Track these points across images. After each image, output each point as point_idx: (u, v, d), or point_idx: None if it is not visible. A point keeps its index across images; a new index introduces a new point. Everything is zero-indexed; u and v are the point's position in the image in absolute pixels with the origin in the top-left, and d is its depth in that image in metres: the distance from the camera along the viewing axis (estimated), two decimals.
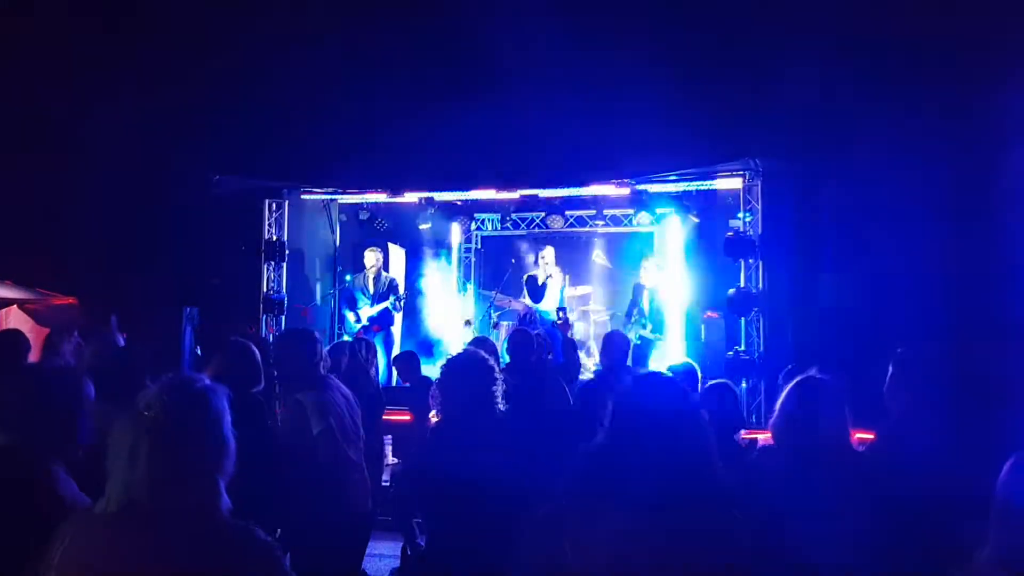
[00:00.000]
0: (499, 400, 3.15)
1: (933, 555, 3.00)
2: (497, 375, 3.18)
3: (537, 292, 9.23)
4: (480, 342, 4.77)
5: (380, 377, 8.25)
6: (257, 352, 3.73)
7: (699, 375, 4.63)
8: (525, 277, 9.53)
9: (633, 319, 8.87)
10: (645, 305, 8.80)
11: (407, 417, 6.76)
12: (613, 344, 5.34)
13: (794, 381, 2.82)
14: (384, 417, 6.50)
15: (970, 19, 6.83)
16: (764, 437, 3.13)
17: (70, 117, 8.95)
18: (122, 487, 1.67)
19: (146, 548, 1.64)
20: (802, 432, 2.71)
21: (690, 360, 5.44)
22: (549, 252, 9.50)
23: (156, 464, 1.66)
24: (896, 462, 3.00)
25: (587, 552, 1.90)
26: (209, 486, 1.71)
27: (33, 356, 7.38)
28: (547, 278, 9.26)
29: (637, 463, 1.93)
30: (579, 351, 8.28)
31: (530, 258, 10.09)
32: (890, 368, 3.34)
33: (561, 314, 7.19)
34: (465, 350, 3.34)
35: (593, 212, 10.91)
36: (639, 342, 8.79)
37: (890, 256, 7.01)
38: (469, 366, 3.15)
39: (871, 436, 3.76)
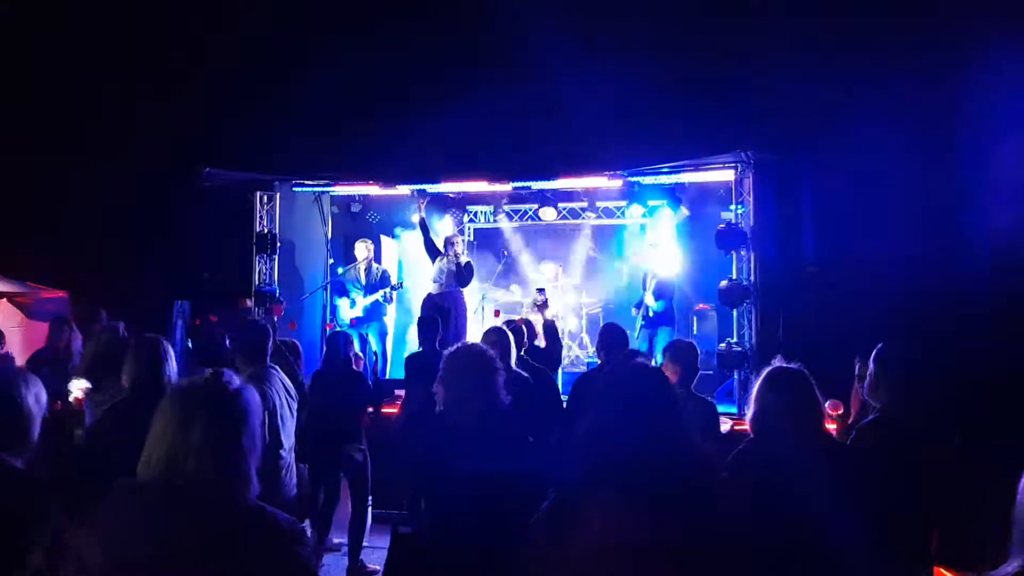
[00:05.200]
0: (501, 391, 3.15)
1: (914, 541, 3.06)
2: (499, 366, 3.19)
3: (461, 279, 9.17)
4: (497, 331, 4.75)
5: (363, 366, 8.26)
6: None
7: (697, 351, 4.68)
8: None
9: (642, 306, 8.96)
10: (649, 286, 8.88)
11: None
12: (609, 335, 5.34)
13: (764, 373, 2.86)
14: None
15: (954, 15, 6.89)
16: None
17: (61, 112, 8.89)
18: (166, 459, 1.80)
19: (179, 517, 1.76)
20: (776, 421, 2.75)
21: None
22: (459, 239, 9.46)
23: (209, 442, 1.81)
24: (878, 454, 3.05)
25: (592, 536, 1.93)
26: (245, 472, 1.86)
27: (22, 348, 7.39)
28: (466, 264, 9.19)
29: (621, 445, 1.99)
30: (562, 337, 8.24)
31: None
32: (870, 365, 3.38)
33: (540, 296, 7.08)
34: (465, 342, 3.34)
35: (585, 204, 10.93)
36: (643, 322, 8.84)
37: (882, 247, 7.06)
38: (470, 358, 3.16)
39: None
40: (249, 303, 8.55)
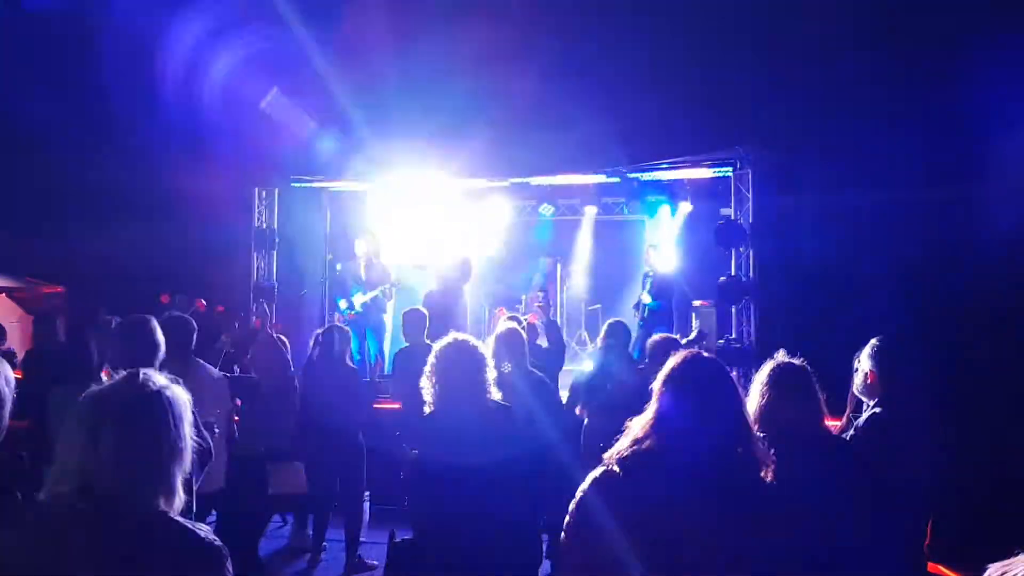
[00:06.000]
0: (490, 388, 3.13)
1: (909, 538, 3.05)
2: (488, 362, 3.16)
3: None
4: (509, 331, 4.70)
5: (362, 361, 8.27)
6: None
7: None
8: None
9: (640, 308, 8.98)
10: (646, 286, 8.90)
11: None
12: (611, 330, 5.33)
13: (764, 367, 2.85)
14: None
15: (954, 14, 6.88)
16: None
17: (60, 108, 8.88)
18: (76, 472, 1.64)
19: (95, 538, 1.61)
20: (776, 417, 2.74)
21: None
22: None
23: (120, 452, 1.63)
24: (874, 450, 3.04)
25: (635, 516, 1.96)
26: (166, 484, 1.68)
27: (22, 343, 7.41)
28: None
29: (684, 431, 2.03)
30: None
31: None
32: (863, 361, 3.36)
33: (541, 295, 7.10)
34: (455, 338, 3.30)
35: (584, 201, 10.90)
36: (640, 322, 8.87)
37: (881, 244, 7.05)
38: (459, 353, 3.14)
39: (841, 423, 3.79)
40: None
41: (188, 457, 1.73)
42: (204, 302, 8.36)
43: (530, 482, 3.16)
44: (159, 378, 1.76)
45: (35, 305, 9.22)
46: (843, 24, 7.39)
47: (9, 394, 2.22)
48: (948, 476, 3.16)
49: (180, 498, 1.70)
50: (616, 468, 2.06)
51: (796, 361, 2.81)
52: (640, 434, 2.09)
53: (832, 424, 4.15)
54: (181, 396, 1.76)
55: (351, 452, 5.96)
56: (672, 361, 2.19)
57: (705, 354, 2.30)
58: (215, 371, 4.47)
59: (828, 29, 7.39)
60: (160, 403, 1.70)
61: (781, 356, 2.85)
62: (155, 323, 3.63)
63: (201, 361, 4.39)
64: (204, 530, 1.72)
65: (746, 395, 2.90)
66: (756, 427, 2.82)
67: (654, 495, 1.98)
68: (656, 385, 2.17)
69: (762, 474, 2.07)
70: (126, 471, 1.63)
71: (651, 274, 9.08)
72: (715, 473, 1.98)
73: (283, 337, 5.85)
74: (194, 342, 4.31)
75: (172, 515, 1.69)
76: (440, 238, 9.52)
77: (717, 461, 2.00)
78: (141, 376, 1.74)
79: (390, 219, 10.79)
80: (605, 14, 8.28)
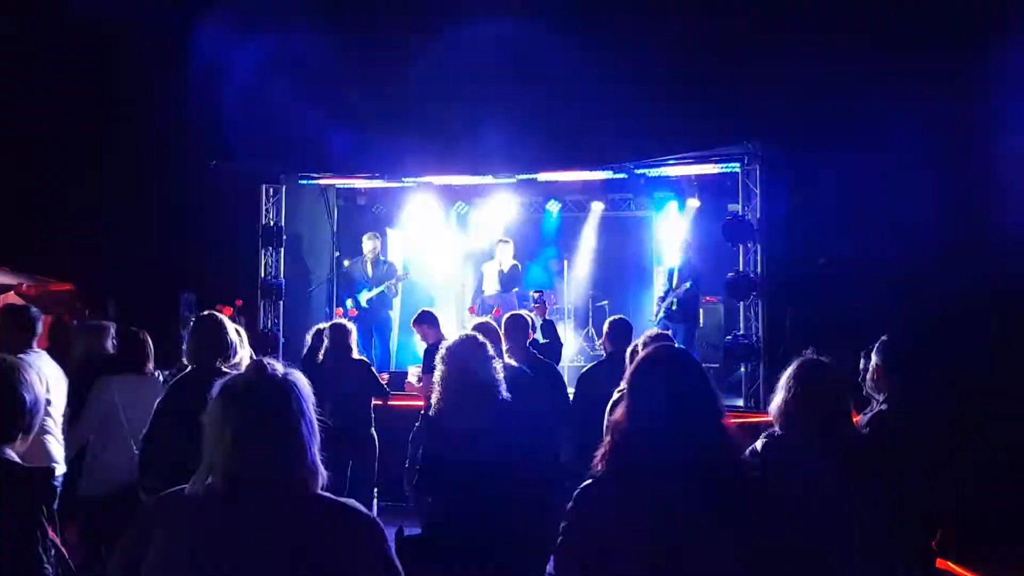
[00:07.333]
0: (501, 384, 3.13)
1: (917, 534, 3.04)
2: (496, 360, 3.17)
3: (504, 283, 9.50)
4: (483, 327, 4.75)
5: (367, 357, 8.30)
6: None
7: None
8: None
9: (666, 302, 9.01)
10: (674, 283, 8.96)
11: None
12: (618, 331, 5.32)
13: (795, 363, 2.82)
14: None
15: (967, 13, 6.83)
16: (765, 419, 3.13)
17: (68, 105, 8.92)
18: (222, 466, 1.69)
19: (257, 526, 1.67)
20: (805, 414, 2.71)
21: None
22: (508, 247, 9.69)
23: (269, 440, 1.70)
24: (886, 444, 3.03)
25: (628, 523, 1.94)
26: (311, 463, 1.75)
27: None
28: (510, 267, 9.52)
29: (658, 433, 1.99)
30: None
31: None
32: (873, 357, 3.35)
33: (538, 295, 7.16)
34: (464, 335, 3.31)
35: (590, 197, 10.88)
36: (663, 315, 8.90)
37: (888, 242, 7.02)
38: (469, 351, 3.14)
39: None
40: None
41: (318, 434, 1.80)
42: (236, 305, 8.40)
43: (536, 478, 3.16)
44: (277, 365, 1.81)
45: (44, 302, 9.26)
46: (853, 20, 7.36)
47: (43, 397, 2.27)
48: (956, 472, 3.14)
49: (323, 475, 1.77)
50: (594, 479, 2.04)
51: (824, 359, 2.78)
52: (613, 437, 2.06)
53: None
54: (302, 378, 1.82)
55: (362, 446, 5.97)
56: (634, 364, 2.18)
57: (671, 348, 2.27)
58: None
59: (838, 24, 7.36)
60: (290, 388, 1.76)
61: (809, 353, 2.81)
62: (228, 322, 3.83)
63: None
64: (358, 504, 1.80)
65: (773, 392, 2.86)
66: (783, 424, 2.81)
67: (629, 501, 1.95)
68: (627, 376, 2.15)
69: (741, 470, 2.04)
70: (279, 457, 1.71)
71: (678, 267, 9.14)
72: (685, 473, 1.94)
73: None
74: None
75: (323, 493, 1.77)
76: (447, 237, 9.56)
77: (685, 462, 1.95)
78: (268, 366, 1.79)
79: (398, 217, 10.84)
80: (613, 10, 8.26)
